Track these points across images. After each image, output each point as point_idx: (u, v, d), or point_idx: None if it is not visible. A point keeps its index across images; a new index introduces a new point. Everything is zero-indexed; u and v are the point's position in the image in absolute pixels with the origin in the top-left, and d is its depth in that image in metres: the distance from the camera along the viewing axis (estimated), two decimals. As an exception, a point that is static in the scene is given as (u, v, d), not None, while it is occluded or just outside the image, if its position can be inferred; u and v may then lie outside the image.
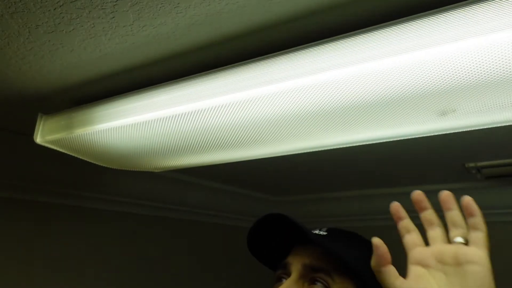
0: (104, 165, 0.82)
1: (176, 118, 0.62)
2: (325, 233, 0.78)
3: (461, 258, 0.52)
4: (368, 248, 0.82)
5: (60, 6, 0.46)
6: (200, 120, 0.61)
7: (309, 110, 0.55)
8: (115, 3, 0.46)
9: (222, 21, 0.50)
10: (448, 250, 0.53)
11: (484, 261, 0.51)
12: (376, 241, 0.56)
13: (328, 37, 0.48)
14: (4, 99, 0.73)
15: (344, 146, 0.66)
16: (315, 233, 0.78)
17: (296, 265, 0.76)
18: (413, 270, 0.55)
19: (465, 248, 0.52)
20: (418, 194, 0.56)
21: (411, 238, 0.57)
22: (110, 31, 0.52)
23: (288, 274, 0.75)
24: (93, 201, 1.34)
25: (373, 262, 0.57)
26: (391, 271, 0.55)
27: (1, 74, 0.64)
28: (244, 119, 0.60)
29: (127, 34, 0.52)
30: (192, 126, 0.63)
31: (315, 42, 0.49)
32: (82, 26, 0.50)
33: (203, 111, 0.59)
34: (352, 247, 0.79)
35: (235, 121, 0.61)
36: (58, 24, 0.50)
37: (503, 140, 1.05)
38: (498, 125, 0.56)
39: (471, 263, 0.51)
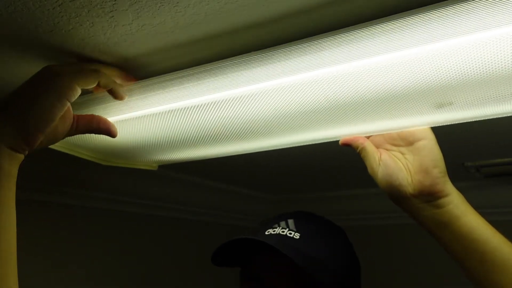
0: (98, 162, 0.82)
1: (175, 114, 0.62)
2: (297, 236, 0.72)
3: (409, 138, 0.60)
4: (341, 237, 0.79)
5: (59, 5, 0.47)
6: (201, 115, 0.62)
7: (312, 106, 0.56)
8: (114, 2, 0.46)
9: (222, 20, 0.50)
10: (395, 134, 0.62)
11: (430, 135, 0.60)
12: (344, 141, 0.65)
13: (326, 32, 0.48)
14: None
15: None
16: (289, 237, 0.72)
17: (274, 281, 0.71)
18: (383, 154, 0.63)
19: (409, 129, 0.61)
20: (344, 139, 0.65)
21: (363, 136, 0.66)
22: (109, 30, 0.52)
23: None
24: (92, 200, 1.34)
25: (357, 150, 0.64)
26: (369, 148, 0.63)
27: (0, 74, 0.64)
28: (243, 114, 0.60)
29: (126, 33, 0.52)
30: (194, 121, 0.63)
31: (315, 37, 0.49)
32: (81, 25, 0.51)
33: (205, 105, 0.59)
34: (329, 243, 0.76)
35: (230, 117, 0.61)
36: (57, 23, 0.50)
37: (503, 139, 1.05)
38: (496, 116, 0.57)
39: (420, 140, 0.59)
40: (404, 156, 0.61)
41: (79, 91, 0.56)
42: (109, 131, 0.65)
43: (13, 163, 0.55)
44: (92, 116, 0.64)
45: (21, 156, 0.57)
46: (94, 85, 0.57)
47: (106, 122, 0.65)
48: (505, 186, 1.50)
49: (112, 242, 1.40)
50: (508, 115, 0.56)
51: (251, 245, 0.74)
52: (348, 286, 0.74)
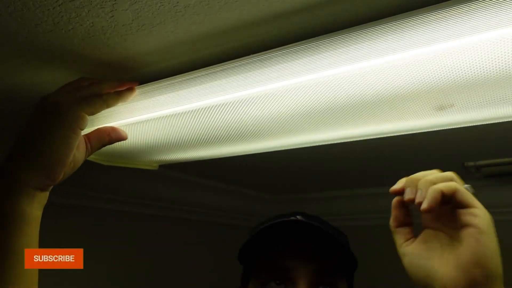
0: (99, 162, 0.82)
1: (175, 117, 0.62)
2: (318, 224, 0.70)
3: (457, 221, 0.46)
4: (346, 238, 0.79)
5: (59, 5, 0.47)
6: (204, 118, 0.61)
7: (314, 107, 0.56)
8: (114, 2, 0.46)
9: (222, 19, 0.50)
10: (448, 209, 0.48)
11: (480, 220, 0.45)
12: (395, 202, 0.52)
13: (326, 34, 0.48)
14: (2, 98, 0.73)
15: (342, 141, 0.67)
16: (310, 224, 0.70)
17: (302, 271, 0.68)
18: (423, 233, 0.51)
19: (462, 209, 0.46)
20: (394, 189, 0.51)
21: None
22: (109, 30, 0.52)
23: (290, 280, 0.68)
24: (93, 200, 1.34)
25: (390, 221, 0.52)
26: (401, 232, 0.51)
27: (0, 73, 0.64)
28: (246, 116, 0.60)
29: (126, 33, 0.52)
30: (196, 123, 0.63)
31: (314, 38, 0.49)
32: (81, 25, 0.50)
33: (207, 109, 0.59)
34: (340, 236, 0.75)
35: (233, 120, 0.61)
36: (57, 23, 0.50)
37: (503, 139, 1.05)
38: (497, 120, 0.57)
39: (465, 226, 0.45)
40: (450, 242, 0.48)
41: (88, 119, 0.56)
42: (120, 138, 0.65)
43: (36, 205, 0.55)
44: (99, 130, 0.64)
45: (45, 195, 0.57)
46: (101, 111, 0.57)
47: (114, 130, 0.64)
48: (505, 186, 1.50)
49: (112, 242, 1.40)
50: (508, 119, 0.56)
51: (263, 238, 0.72)
52: (350, 280, 0.75)
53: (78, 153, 0.59)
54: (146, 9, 0.47)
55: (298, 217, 0.73)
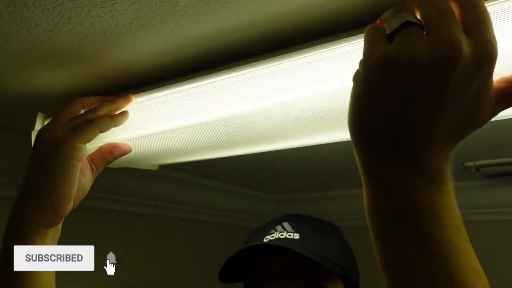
0: None
1: (173, 131, 0.62)
2: (297, 236, 0.73)
3: None
4: (336, 232, 0.79)
5: (59, 5, 0.47)
6: (205, 129, 0.61)
7: (318, 112, 0.56)
8: (114, 2, 0.46)
9: (222, 19, 0.50)
10: None
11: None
12: None
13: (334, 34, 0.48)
14: (2, 98, 0.73)
15: (344, 140, 0.66)
16: (290, 239, 0.72)
17: (294, 285, 0.70)
18: None
19: None
20: None
21: None
22: (109, 30, 0.52)
23: None
24: (92, 200, 1.34)
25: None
26: None
27: (0, 73, 0.64)
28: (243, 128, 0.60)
29: (126, 33, 0.52)
30: (195, 134, 0.63)
31: (319, 41, 0.49)
32: (81, 25, 0.51)
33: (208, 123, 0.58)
34: (327, 240, 0.75)
35: (232, 131, 0.61)
36: (57, 23, 0.50)
37: (503, 139, 1.05)
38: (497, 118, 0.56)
39: None
40: None
41: (84, 148, 0.56)
42: (124, 152, 0.65)
43: (48, 242, 0.56)
44: (101, 149, 0.64)
45: (57, 228, 0.58)
46: (95, 137, 0.56)
47: (117, 147, 0.64)
48: (505, 186, 1.50)
49: (112, 242, 1.40)
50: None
51: (252, 254, 0.73)
52: (353, 278, 0.74)
53: (84, 179, 0.60)
54: (146, 9, 0.47)
55: (271, 236, 0.74)
